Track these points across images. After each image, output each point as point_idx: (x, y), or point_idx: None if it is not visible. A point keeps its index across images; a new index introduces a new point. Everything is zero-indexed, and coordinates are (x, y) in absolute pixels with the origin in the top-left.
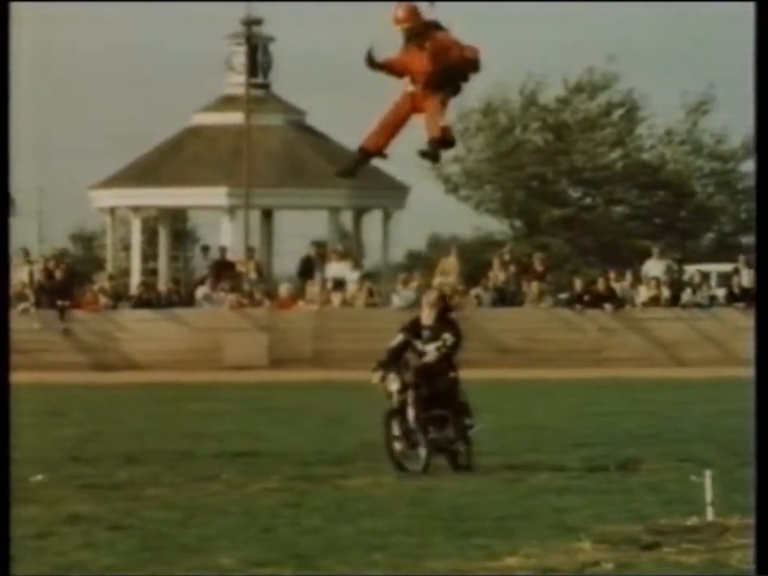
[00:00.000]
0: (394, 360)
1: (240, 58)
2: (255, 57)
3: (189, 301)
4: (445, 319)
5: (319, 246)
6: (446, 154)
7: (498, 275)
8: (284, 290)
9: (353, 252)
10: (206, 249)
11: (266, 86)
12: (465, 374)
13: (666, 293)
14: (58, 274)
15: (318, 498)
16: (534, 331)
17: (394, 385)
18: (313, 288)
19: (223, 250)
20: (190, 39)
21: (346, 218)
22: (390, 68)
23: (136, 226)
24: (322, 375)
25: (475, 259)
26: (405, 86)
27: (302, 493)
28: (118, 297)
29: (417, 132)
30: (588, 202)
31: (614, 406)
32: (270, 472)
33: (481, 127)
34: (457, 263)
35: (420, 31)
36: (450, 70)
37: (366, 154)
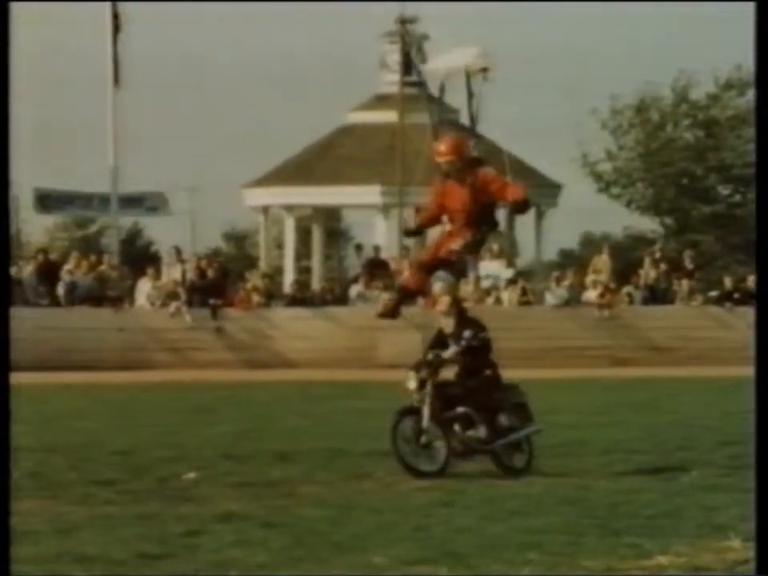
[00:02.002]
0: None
1: (394, 56)
2: (409, 55)
3: (342, 299)
4: (465, 320)
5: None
6: (598, 153)
7: (648, 273)
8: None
9: (506, 250)
10: (359, 247)
11: (420, 84)
12: (618, 373)
13: None
14: (211, 273)
15: (471, 496)
16: (684, 329)
17: (411, 383)
18: (466, 286)
19: (377, 248)
20: (345, 38)
21: (500, 216)
22: (427, 223)
23: (289, 224)
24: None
25: (626, 257)
26: (444, 225)
27: (455, 491)
28: (271, 295)
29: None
30: (738, 198)
31: None
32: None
33: (633, 124)
34: (608, 261)
35: (462, 166)
36: (490, 207)
37: (407, 292)
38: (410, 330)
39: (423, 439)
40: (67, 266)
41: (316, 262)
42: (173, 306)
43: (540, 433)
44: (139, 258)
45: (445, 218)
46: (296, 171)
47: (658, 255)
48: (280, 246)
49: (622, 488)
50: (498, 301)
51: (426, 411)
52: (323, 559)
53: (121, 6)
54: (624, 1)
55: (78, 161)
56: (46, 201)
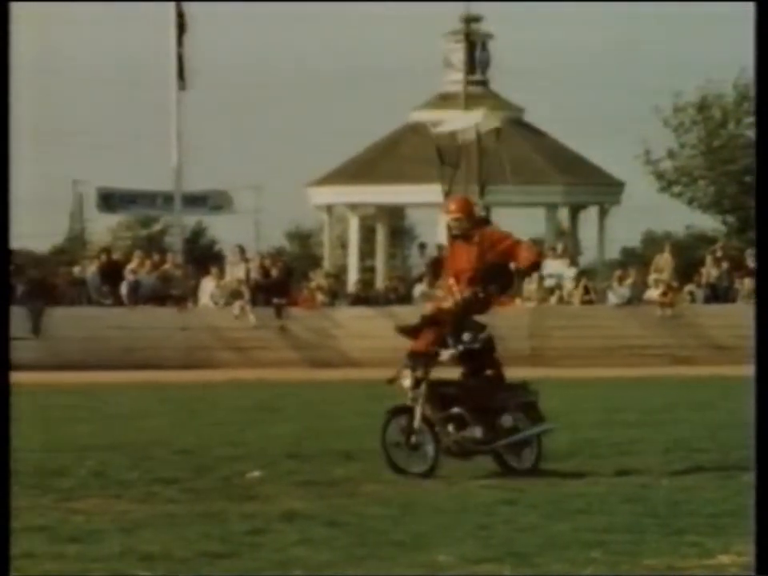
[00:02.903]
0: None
1: (458, 55)
2: (473, 54)
3: (406, 298)
4: (465, 322)
5: (536, 243)
6: (659, 151)
7: (710, 272)
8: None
9: (569, 249)
10: (423, 246)
11: (483, 83)
12: (679, 371)
13: None
14: (275, 272)
15: (534, 494)
16: (746, 328)
17: (406, 381)
18: (530, 285)
19: (440, 247)
20: (409, 37)
21: (563, 215)
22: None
23: (353, 223)
24: (539, 373)
25: (688, 256)
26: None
27: (518, 489)
28: (335, 294)
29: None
30: None
31: None
32: (486, 468)
33: (695, 122)
34: (671, 260)
35: (469, 225)
36: (501, 268)
37: (418, 354)
38: None
39: (413, 439)
40: (130, 266)
41: (380, 261)
42: (236, 305)
43: (549, 432)
44: (203, 256)
45: (452, 280)
46: (360, 170)
47: (719, 254)
48: (344, 244)
49: (683, 486)
50: (561, 300)
51: (417, 411)
52: (387, 558)
53: (185, 5)
54: (680, 1)
55: (142, 160)
56: (110, 200)
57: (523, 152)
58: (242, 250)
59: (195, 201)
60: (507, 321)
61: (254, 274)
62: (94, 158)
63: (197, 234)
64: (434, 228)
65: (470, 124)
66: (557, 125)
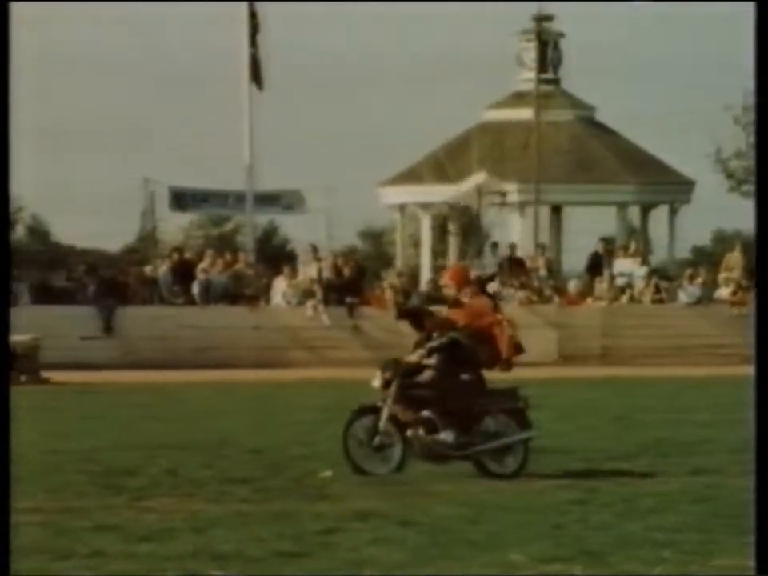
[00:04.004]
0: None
1: (530, 54)
2: (545, 53)
3: None
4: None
5: (607, 242)
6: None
7: None
8: (573, 286)
9: (640, 248)
10: (495, 245)
11: (555, 82)
12: (750, 371)
13: None
14: (347, 271)
15: (606, 494)
16: None
17: (375, 381)
18: (601, 284)
19: (513, 246)
20: (482, 36)
21: (634, 214)
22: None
23: (425, 222)
24: (610, 372)
25: None
26: None
27: (590, 489)
28: (407, 293)
29: None
30: None
31: None
32: (558, 468)
33: None
34: (741, 258)
35: (458, 294)
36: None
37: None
38: (547, 328)
39: (376, 440)
40: (202, 265)
41: (452, 261)
42: (309, 304)
43: (533, 440)
44: (275, 256)
45: None
46: (432, 169)
47: None
48: (416, 244)
49: (752, 486)
50: (632, 299)
51: (384, 412)
52: (460, 557)
53: (258, 5)
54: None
55: (214, 159)
56: (182, 199)
57: (594, 151)
58: (314, 249)
59: (267, 200)
60: (579, 320)
61: (327, 274)
62: (166, 158)
63: (269, 233)
64: (507, 227)
65: (459, 195)
66: (628, 123)
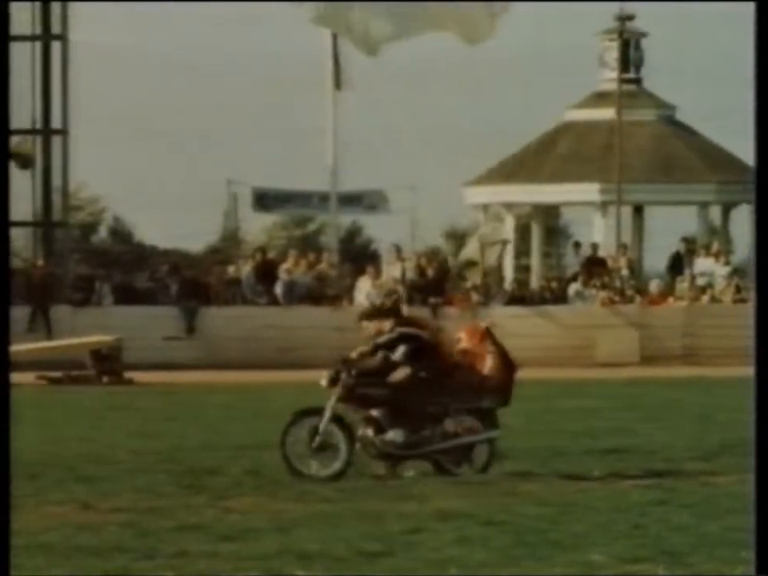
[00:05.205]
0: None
1: (612, 53)
2: (627, 52)
3: (561, 298)
4: (399, 322)
5: (689, 241)
6: None
7: None
8: (654, 286)
9: (721, 247)
10: (577, 245)
11: (637, 82)
12: None
13: None
14: (430, 271)
15: (687, 494)
16: None
17: (322, 380)
18: (682, 284)
19: (595, 246)
20: (564, 35)
21: (715, 213)
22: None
23: (509, 222)
24: (692, 372)
25: None
26: None
27: (671, 489)
28: (491, 294)
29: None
30: None
31: None
32: (640, 468)
33: None
34: None
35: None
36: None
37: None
38: (628, 328)
39: (317, 441)
40: (285, 265)
41: (535, 260)
42: None
43: (496, 440)
44: (358, 256)
45: None
46: (516, 169)
47: None
48: None
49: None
50: (713, 299)
51: (327, 412)
52: (543, 557)
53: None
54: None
55: (297, 160)
56: (265, 199)
57: (676, 150)
58: (398, 250)
59: (351, 200)
60: (660, 320)
61: (410, 274)
62: (249, 158)
63: (352, 233)
64: (589, 227)
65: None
66: (708, 123)
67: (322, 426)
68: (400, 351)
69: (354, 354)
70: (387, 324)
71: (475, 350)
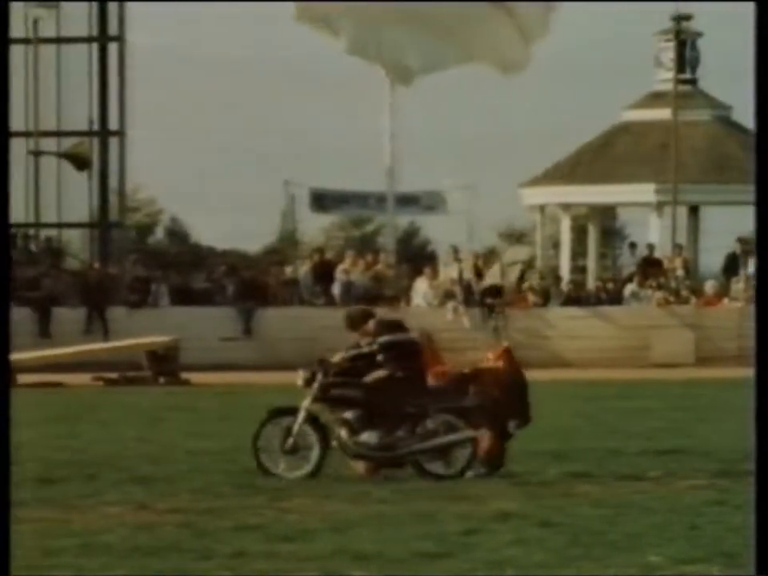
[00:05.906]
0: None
1: (669, 54)
2: (683, 52)
3: (616, 298)
4: (383, 326)
5: (745, 242)
6: None
7: None
8: (710, 287)
9: None
10: (633, 246)
11: (693, 82)
12: None
13: None
14: (487, 272)
15: (743, 495)
16: None
17: (298, 380)
18: (738, 285)
19: (651, 246)
20: (621, 35)
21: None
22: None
23: (565, 223)
24: (747, 373)
25: None
26: None
27: (726, 490)
28: (547, 295)
29: None
30: None
31: None
32: (696, 469)
33: None
34: None
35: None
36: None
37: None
38: (684, 329)
39: (289, 442)
40: (343, 266)
41: (591, 261)
42: (450, 305)
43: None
44: (416, 257)
45: None
46: (572, 170)
47: None
48: (556, 244)
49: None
50: None
51: (301, 413)
52: (599, 558)
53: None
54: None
55: (355, 160)
56: (322, 200)
57: (731, 151)
58: (455, 250)
59: (408, 201)
60: (715, 321)
61: (467, 275)
62: (306, 159)
63: (410, 234)
64: (645, 228)
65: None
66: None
67: (295, 428)
68: (379, 357)
69: (335, 359)
70: (370, 327)
71: (491, 367)
